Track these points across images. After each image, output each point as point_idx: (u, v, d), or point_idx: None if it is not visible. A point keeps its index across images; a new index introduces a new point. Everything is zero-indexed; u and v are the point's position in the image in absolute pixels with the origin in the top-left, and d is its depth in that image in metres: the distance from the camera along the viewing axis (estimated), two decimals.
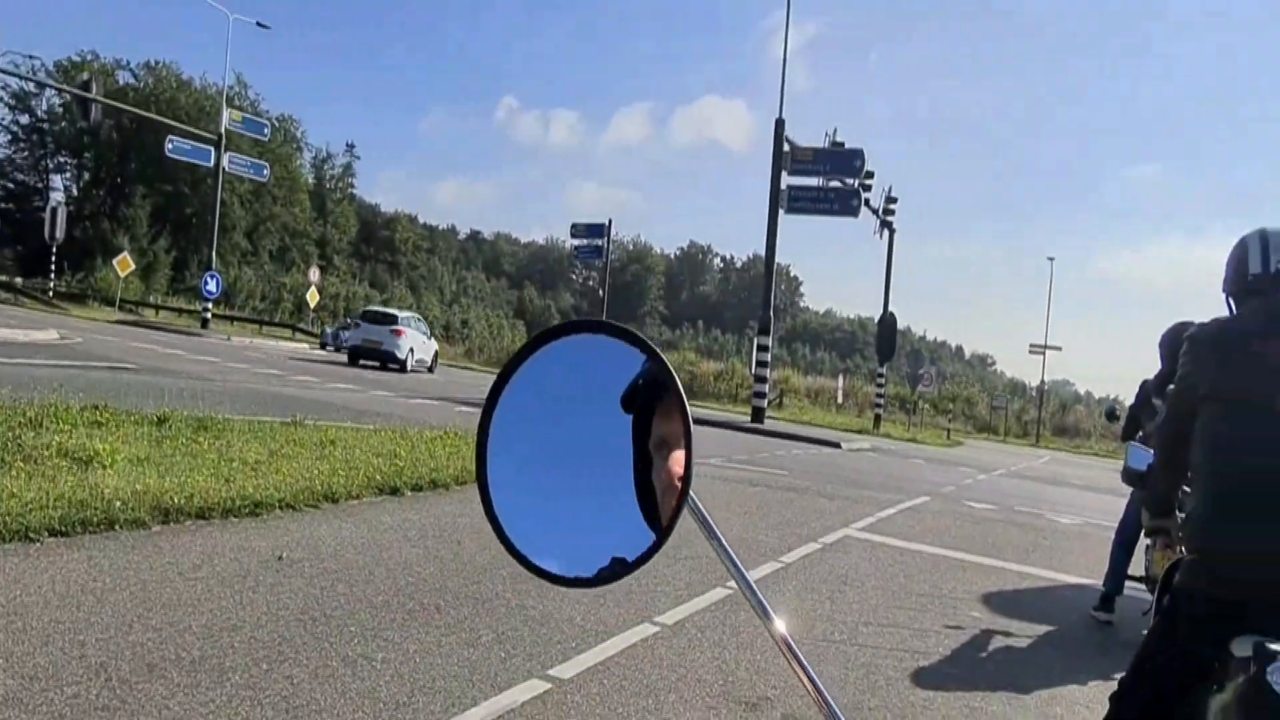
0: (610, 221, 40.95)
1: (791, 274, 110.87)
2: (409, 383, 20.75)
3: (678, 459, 0.87)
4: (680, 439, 0.87)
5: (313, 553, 4.86)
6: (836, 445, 19.31)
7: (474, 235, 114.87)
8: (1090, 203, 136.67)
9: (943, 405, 42.31)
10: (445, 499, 6.87)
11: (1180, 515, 2.52)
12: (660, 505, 0.88)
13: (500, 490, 0.91)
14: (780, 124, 22.62)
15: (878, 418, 31.54)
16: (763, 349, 22.47)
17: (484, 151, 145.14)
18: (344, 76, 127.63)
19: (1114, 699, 2.33)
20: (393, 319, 25.30)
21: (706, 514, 0.89)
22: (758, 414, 21.97)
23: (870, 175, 26.77)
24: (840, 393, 41.30)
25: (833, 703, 0.88)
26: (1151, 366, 5.66)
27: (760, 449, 15.89)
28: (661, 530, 0.88)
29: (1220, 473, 2.23)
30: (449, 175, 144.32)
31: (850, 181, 23.81)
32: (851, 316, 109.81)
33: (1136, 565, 5.90)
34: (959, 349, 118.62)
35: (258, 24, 35.86)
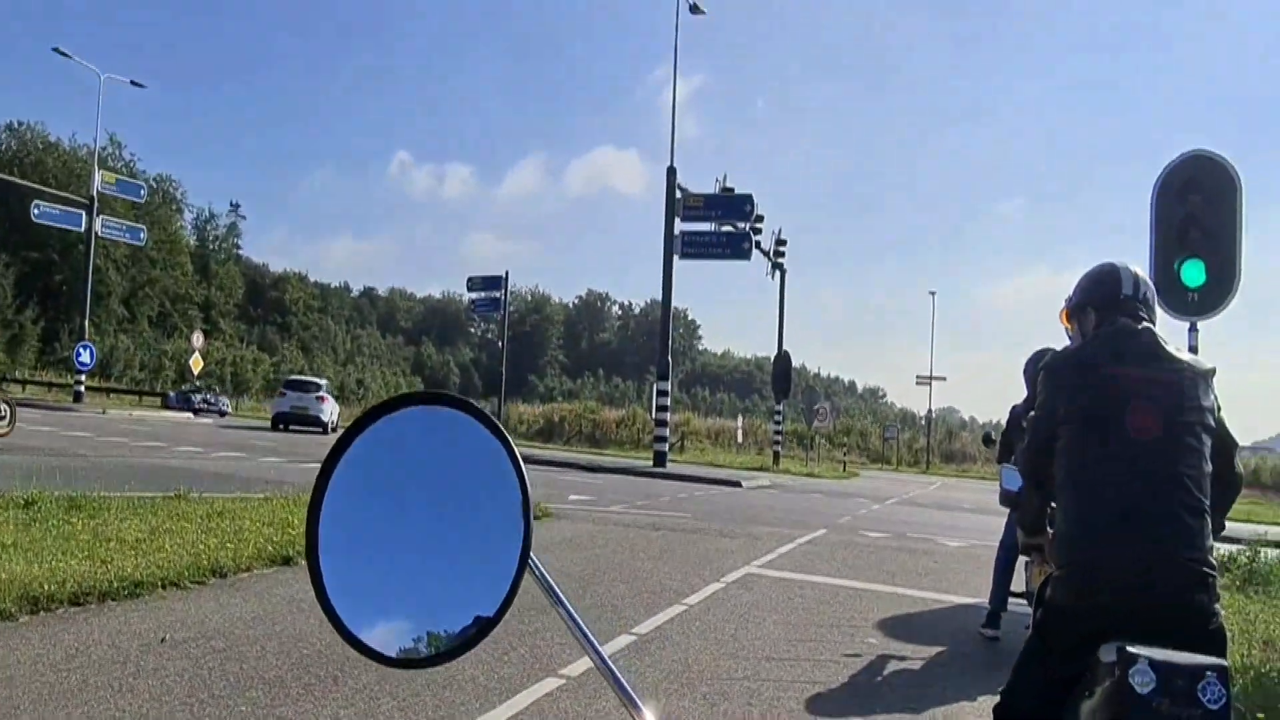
0: (507, 273, 40.80)
1: (689, 318, 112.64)
2: (301, 447, 20.13)
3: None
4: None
5: (199, 631, 4.68)
6: (737, 484, 19.58)
7: (368, 292, 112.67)
8: (967, 237, 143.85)
9: (838, 439, 43.39)
10: None
11: (1050, 532, 2.62)
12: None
13: (334, 571, 0.87)
14: (672, 172, 23.13)
15: (776, 455, 32.14)
16: (662, 394, 22.70)
17: (378, 207, 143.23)
18: (228, 134, 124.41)
19: (997, 710, 2.46)
20: (317, 386, 29.20)
21: (552, 581, 0.90)
22: (659, 458, 22.11)
23: (760, 219, 27.55)
24: (740, 432, 41.92)
25: None
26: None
27: (663, 493, 15.99)
28: (501, 602, 0.89)
29: (1081, 491, 2.34)
30: (342, 232, 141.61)
31: (741, 225, 24.42)
32: (749, 356, 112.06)
33: (1019, 582, 6.19)
34: (852, 383, 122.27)
35: (132, 83, 34.75)
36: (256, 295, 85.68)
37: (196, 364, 39.97)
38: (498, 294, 39.73)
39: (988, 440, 9.40)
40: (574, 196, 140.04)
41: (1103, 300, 2.57)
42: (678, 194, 23.17)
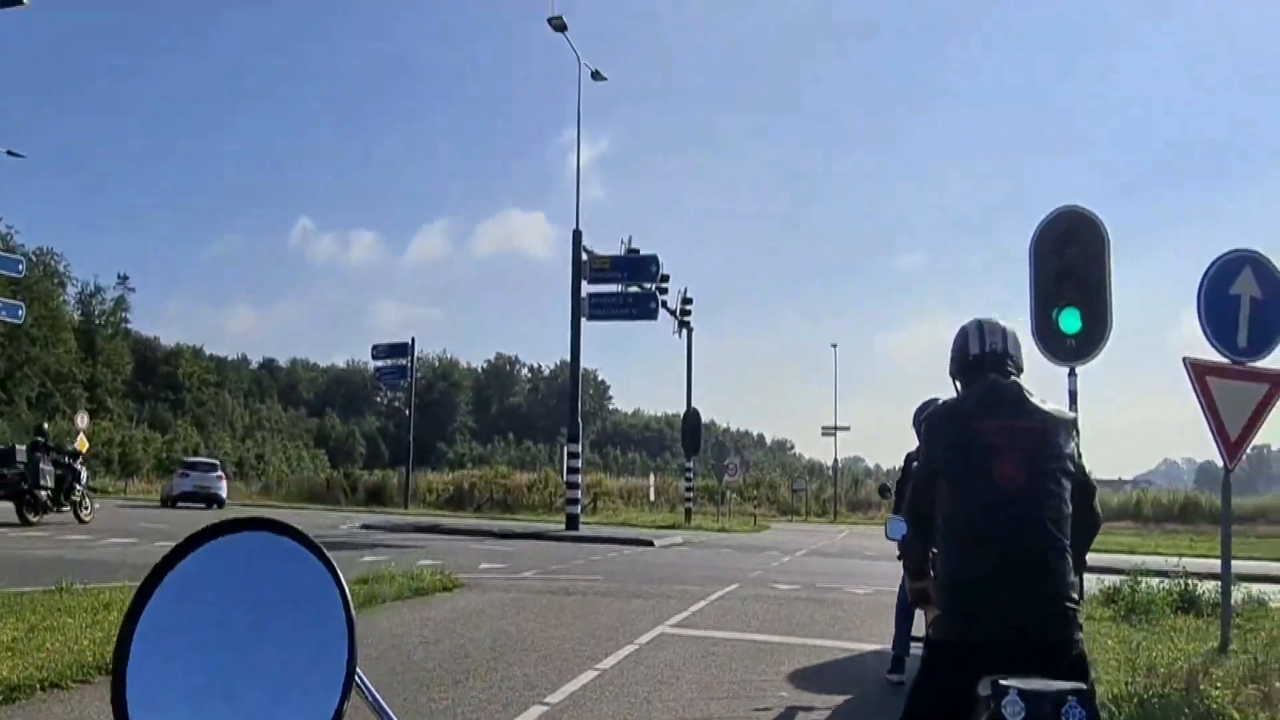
0: (413, 340, 40.51)
1: (599, 378, 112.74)
2: (193, 524, 19.28)
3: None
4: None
5: None
6: (650, 543, 19.58)
7: (268, 364, 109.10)
8: (868, 289, 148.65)
9: (749, 493, 43.85)
10: None
11: (933, 575, 2.78)
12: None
13: (141, 707, 0.84)
14: (578, 235, 23.40)
15: (688, 512, 32.27)
16: (573, 455, 22.63)
17: (278, 276, 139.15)
18: (115, 203, 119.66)
19: None
20: (215, 466, 31.86)
21: (382, 701, 0.90)
22: (572, 521, 21.96)
23: (666, 279, 28.07)
24: (652, 490, 41.96)
25: None
26: None
27: (575, 556, 15.87)
28: None
29: (956, 537, 2.57)
30: (240, 302, 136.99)
31: (647, 285, 24.77)
32: (659, 414, 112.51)
33: (920, 626, 6.38)
34: (761, 436, 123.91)
35: (9, 153, 33.36)
36: (147, 371, 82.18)
37: (82, 445, 37.94)
38: (403, 361, 39.31)
39: (883, 491, 10.53)
40: (481, 259, 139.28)
41: (958, 361, 2.84)
42: (584, 256, 23.43)
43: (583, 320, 23.17)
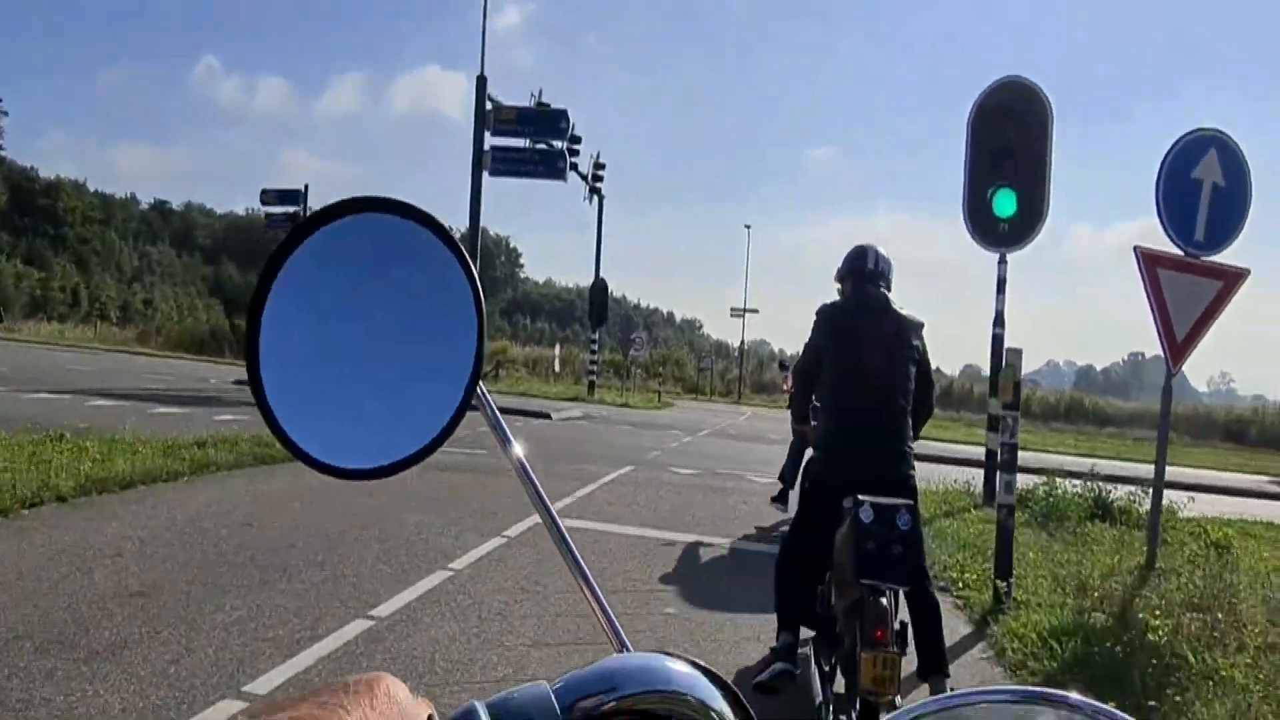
0: (306, 188, 37.36)
1: (511, 245, 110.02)
2: (29, 374, 17.43)
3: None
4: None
5: None
6: (547, 416, 18.63)
7: (160, 206, 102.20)
8: (781, 180, 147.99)
9: (654, 369, 43.35)
10: (69, 515, 5.25)
11: (813, 424, 4.03)
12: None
13: (279, 391, 0.79)
14: (482, 81, 21.33)
15: (591, 385, 31.43)
16: None
17: (176, 115, 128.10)
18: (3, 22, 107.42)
19: (784, 543, 3.83)
20: None
21: (501, 419, 0.81)
22: None
23: (578, 140, 26.22)
24: (557, 361, 41.01)
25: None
26: None
27: (463, 426, 14.71)
28: (447, 422, 0.80)
29: (833, 400, 3.67)
30: (132, 139, 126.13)
31: (557, 143, 22.92)
32: (570, 285, 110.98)
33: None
34: (670, 314, 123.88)
35: None
36: (24, 203, 76.04)
37: None
38: (295, 209, 36.54)
39: (782, 366, 11.62)
40: (399, 116, 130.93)
41: (853, 272, 3.77)
42: (489, 106, 21.43)
43: (485, 175, 21.39)
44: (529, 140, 22.68)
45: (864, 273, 3.72)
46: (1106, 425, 42.64)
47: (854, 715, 2.97)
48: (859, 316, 3.66)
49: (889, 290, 3.74)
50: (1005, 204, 9.52)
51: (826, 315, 3.74)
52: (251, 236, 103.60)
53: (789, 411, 4.63)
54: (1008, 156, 9.59)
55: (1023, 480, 10.33)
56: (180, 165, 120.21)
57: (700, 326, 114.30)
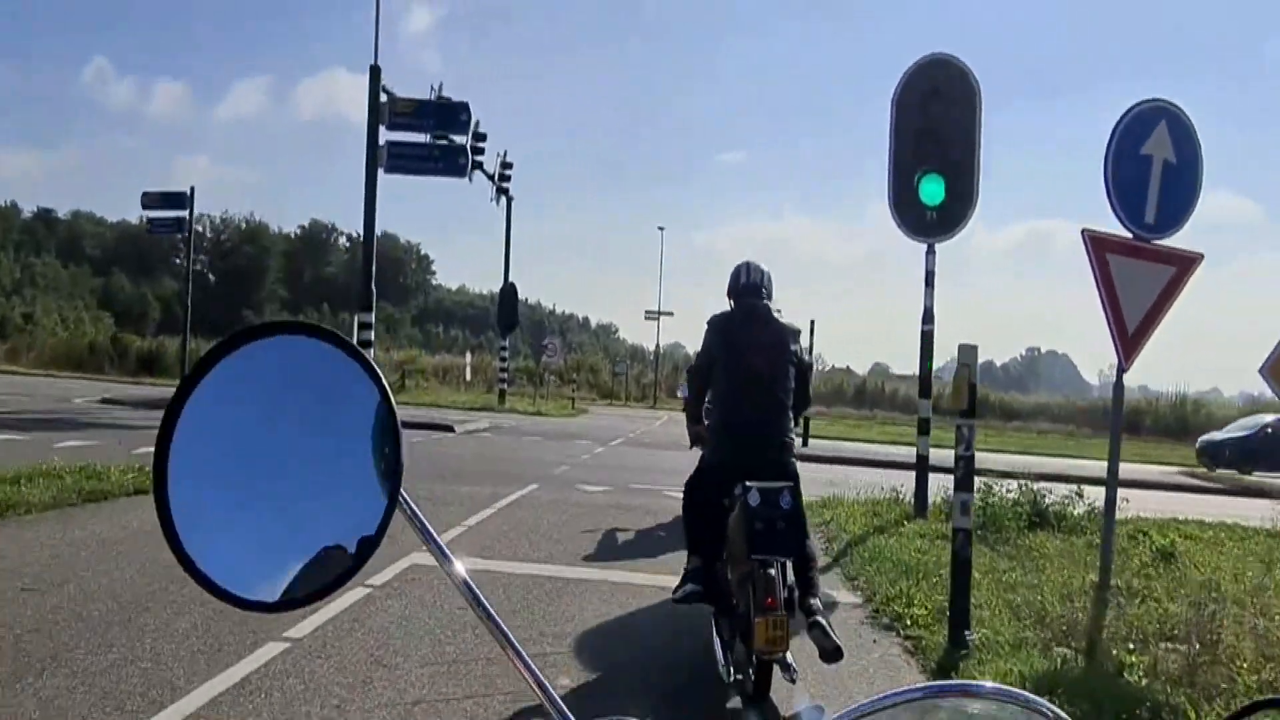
0: (193, 190, 35.09)
1: (422, 251, 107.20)
2: None
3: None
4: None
5: None
6: (449, 429, 17.41)
7: (44, 214, 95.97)
8: (693, 183, 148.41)
9: (569, 375, 42.29)
10: None
11: (706, 422, 4.61)
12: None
13: (186, 514, 0.80)
14: (376, 71, 19.84)
15: (502, 393, 30.25)
16: (364, 327, 19.77)
17: (62, 118, 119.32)
18: None
19: (686, 487, 4.44)
20: None
21: (420, 515, 0.82)
22: None
23: (483, 138, 25.02)
24: (468, 370, 39.60)
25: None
26: None
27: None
28: (372, 535, 0.82)
29: (724, 400, 4.32)
30: (11, 143, 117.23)
31: (458, 139, 21.56)
32: (485, 292, 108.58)
33: None
34: (585, 319, 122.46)
35: None
36: None
37: None
38: (181, 213, 34.24)
39: (687, 373, 11.88)
40: (304, 121, 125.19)
41: (732, 288, 4.48)
42: (383, 98, 20.03)
43: (381, 173, 20.01)
44: (430, 135, 21.33)
45: (745, 287, 4.39)
46: (1013, 419, 43.26)
47: (751, 672, 3.59)
48: (744, 326, 4.29)
49: (769, 299, 4.40)
50: (933, 190, 8.86)
51: (717, 325, 4.36)
52: (144, 245, 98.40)
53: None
54: (933, 139, 8.94)
55: (945, 480, 9.76)
56: (68, 171, 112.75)
57: (616, 331, 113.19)
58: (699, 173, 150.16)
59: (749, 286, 4.37)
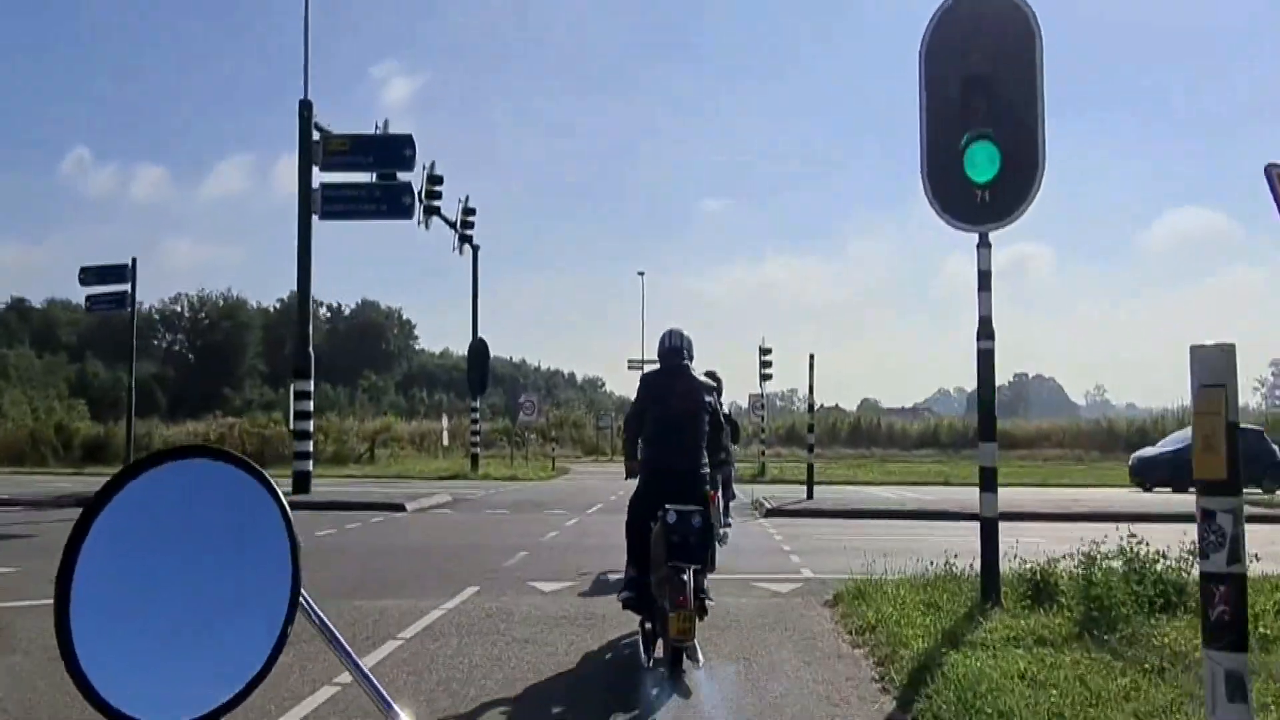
0: (134, 261, 32.71)
1: (404, 318, 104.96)
2: None
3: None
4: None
5: None
6: (400, 508, 14.82)
7: (18, 304, 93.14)
8: (676, 231, 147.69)
9: (550, 432, 39.76)
10: None
11: (639, 457, 5.74)
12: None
13: (87, 638, 0.80)
14: (306, 106, 17.59)
15: (474, 458, 27.60)
16: (302, 396, 17.29)
17: (41, 209, 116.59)
18: None
19: (629, 510, 5.58)
20: None
21: (324, 617, 0.84)
22: (300, 481, 16.65)
23: (439, 180, 22.77)
24: (445, 434, 36.94)
25: None
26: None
27: None
28: (270, 651, 0.85)
29: (652, 438, 5.56)
30: None
31: (402, 176, 19.12)
32: (465, 354, 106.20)
33: None
34: (571, 375, 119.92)
35: None
36: None
37: None
38: (123, 287, 31.89)
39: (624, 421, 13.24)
40: (286, 195, 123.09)
41: (660, 351, 5.80)
42: (316, 136, 17.72)
43: (315, 220, 17.66)
44: (374, 175, 18.90)
45: (669, 350, 5.73)
46: (1015, 448, 40.70)
47: (668, 657, 4.81)
48: (667, 381, 5.66)
49: (690, 360, 5.76)
50: (983, 161, 6.50)
51: (647, 381, 5.85)
52: (118, 327, 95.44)
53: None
54: (979, 93, 6.60)
55: (967, 537, 7.22)
56: (46, 262, 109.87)
57: (603, 384, 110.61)
58: (684, 220, 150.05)
59: (672, 349, 5.71)
